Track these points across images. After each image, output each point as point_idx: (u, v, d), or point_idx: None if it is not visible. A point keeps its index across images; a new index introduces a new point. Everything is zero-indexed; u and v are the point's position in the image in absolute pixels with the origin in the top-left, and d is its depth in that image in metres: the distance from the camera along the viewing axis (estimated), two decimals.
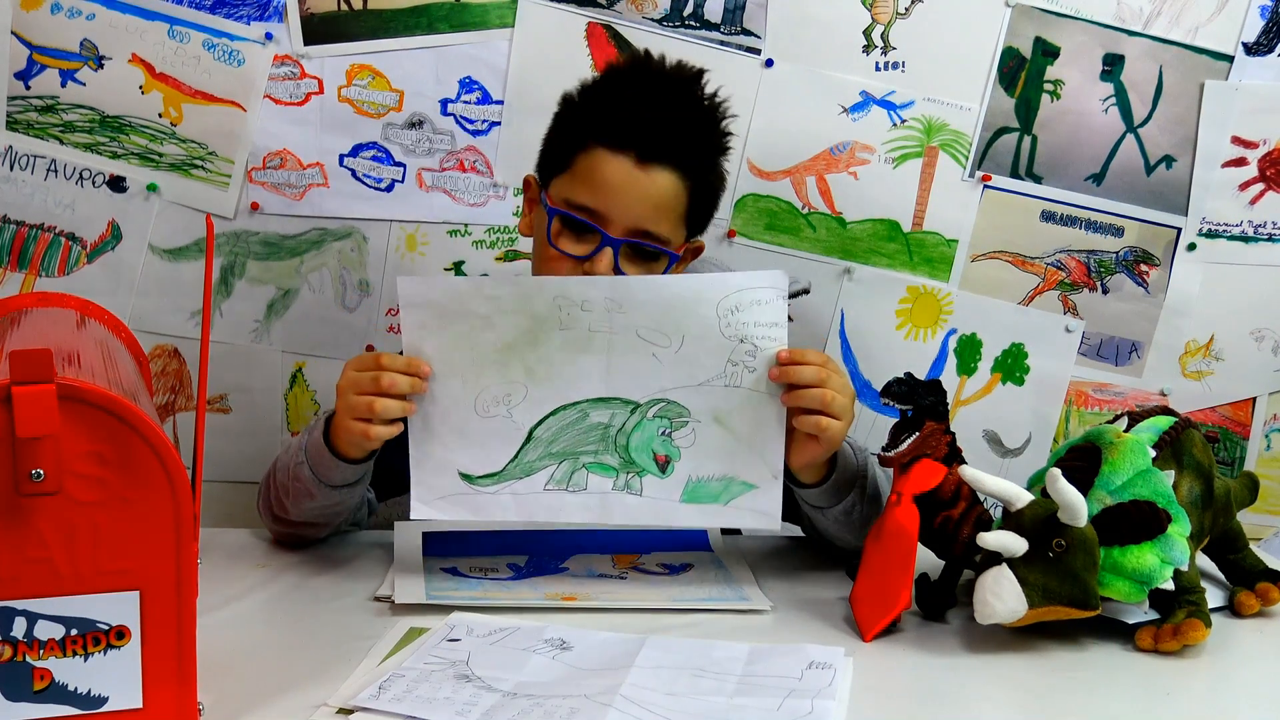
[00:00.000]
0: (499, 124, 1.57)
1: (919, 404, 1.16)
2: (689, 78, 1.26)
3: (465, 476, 1.18)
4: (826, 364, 1.15)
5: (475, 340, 1.15)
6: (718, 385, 1.16)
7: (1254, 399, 1.61)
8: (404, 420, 1.16)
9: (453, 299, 1.14)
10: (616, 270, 1.21)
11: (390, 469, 1.21)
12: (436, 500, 1.17)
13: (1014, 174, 1.60)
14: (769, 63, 1.56)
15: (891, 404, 1.17)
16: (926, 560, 1.17)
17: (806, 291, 1.61)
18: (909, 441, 1.15)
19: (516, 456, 1.18)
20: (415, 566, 1.22)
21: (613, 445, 1.17)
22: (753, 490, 1.17)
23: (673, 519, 1.18)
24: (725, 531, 1.33)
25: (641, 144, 1.22)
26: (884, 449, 1.17)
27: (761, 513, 1.17)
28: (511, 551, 1.27)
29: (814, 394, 1.12)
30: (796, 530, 1.34)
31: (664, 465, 1.17)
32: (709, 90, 1.27)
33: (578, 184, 1.25)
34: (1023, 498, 1.08)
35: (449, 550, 1.26)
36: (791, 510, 1.26)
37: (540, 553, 1.27)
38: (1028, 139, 1.59)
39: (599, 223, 1.23)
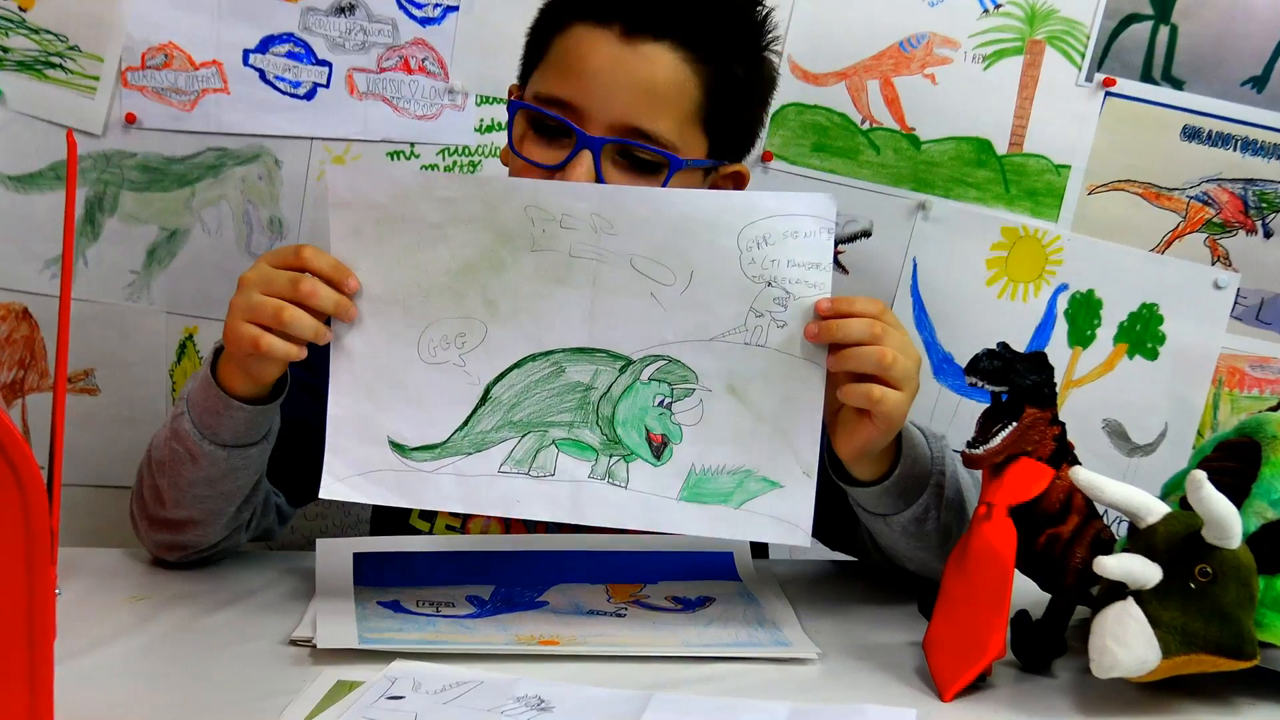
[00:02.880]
0: (456, 9, 1.56)
1: (1017, 385, 1.15)
2: None
3: (397, 446, 1.19)
4: (882, 315, 1.15)
5: (423, 257, 1.16)
6: (735, 342, 1.16)
7: None
8: (314, 365, 1.17)
9: (397, 199, 1.15)
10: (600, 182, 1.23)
11: (308, 463, 1.22)
12: (354, 476, 1.18)
13: (1146, 77, 1.59)
14: None
15: (980, 384, 1.15)
16: (1026, 592, 1.17)
17: (866, 234, 1.61)
18: (1003, 435, 1.14)
19: (467, 423, 1.19)
20: (344, 598, 1.23)
21: (594, 416, 1.18)
22: (775, 490, 1.18)
23: (665, 521, 1.18)
24: (755, 551, 1.33)
25: (629, 11, 1.22)
26: (970, 445, 1.16)
27: (786, 521, 1.17)
28: (472, 579, 1.28)
29: (866, 353, 1.12)
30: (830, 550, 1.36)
31: (659, 448, 1.18)
32: None
33: (550, 73, 1.26)
34: (1155, 510, 1.08)
35: (389, 577, 1.27)
36: (843, 522, 1.28)
37: (510, 580, 1.28)
38: (1164, 30, 1.58)
39: (575, 119, 1.23)
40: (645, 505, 1.18)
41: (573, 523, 1.20)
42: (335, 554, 1.27)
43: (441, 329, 1.18)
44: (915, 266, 1.63)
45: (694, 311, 1.16)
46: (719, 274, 1.16)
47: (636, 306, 1.16)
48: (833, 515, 1.26)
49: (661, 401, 1.18)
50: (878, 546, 1.29)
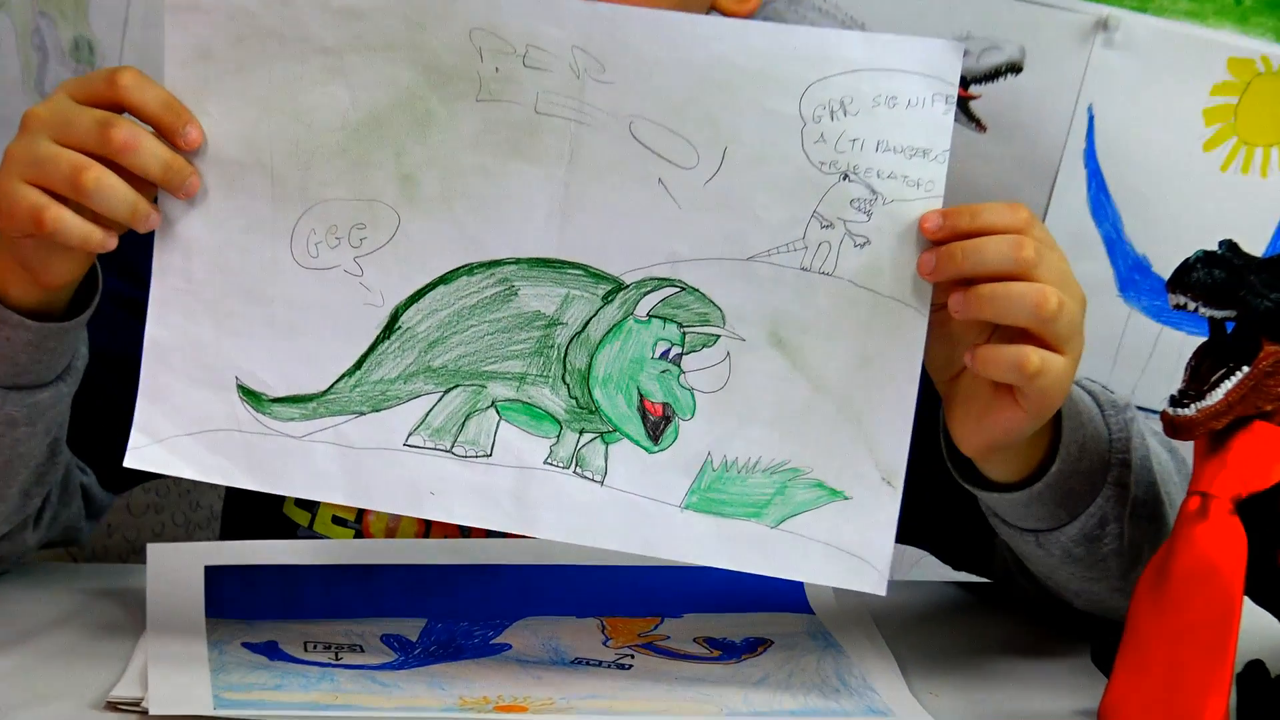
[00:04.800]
0: None
1: (1250, 307, 1.13)
2: None
3: (250, 395, 1.18)
4: (1029, 228, 1.11)
5: (308, 100, 1.15)
6: (788, 265, 1.15)
7: None
8: (136, 266, 1.17)
9: (271, 5, 1.14)
10: None
11: (132, 424, 1.19)
12: (179, 437, 1.18)
13: None
14: None
15: (1193, 306, 1.13)
16: (1260, 631, 1.17)
17: (1015, 68, 1.60)
18: (1229, 386, 1.13)
19: (361, 365, 1.17)
20: (190, 637, 1.21)
21: (558, 367, 1.17)
22: (837, 502, 1.17)
23: (660, 541, 1.18)
24: None
25: None
26: (1176, 401, 1.14)
27: (850, 554, 1.17)
28: (391, 608, 1.27)
29: (1016, 295, 1.10)
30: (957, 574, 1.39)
31: (659, 425, 1.17)
32: None
33: None
34: None
35: (260, 604, 1.26)
36: (971, 530, 1.30)
37: (451, 611, 1.27)
38: None
39: None
40: (631, 514, 1.17)
41: (516, 533, 1.19)
42: (176, 567, 1.26)
43: (329, 216, 1.16)
44: (1092, 120, 1.61)
45: (725, 213, 1.14)
46: (768, 155, 1.13)
47: (635, 199, 1.15)
48: (954, 518, 1.29)
49: (666, 352, 1.17)
50: (1026, 572, 1.29)
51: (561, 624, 1.27)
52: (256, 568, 1.29)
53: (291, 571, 1.29)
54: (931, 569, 1.38)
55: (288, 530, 1.41)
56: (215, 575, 1.27)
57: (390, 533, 1.39)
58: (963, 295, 1.12)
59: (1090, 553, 1.23)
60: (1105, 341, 1.60)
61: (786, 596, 1.31)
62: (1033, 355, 1.11)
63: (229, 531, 1.51)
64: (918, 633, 1.31)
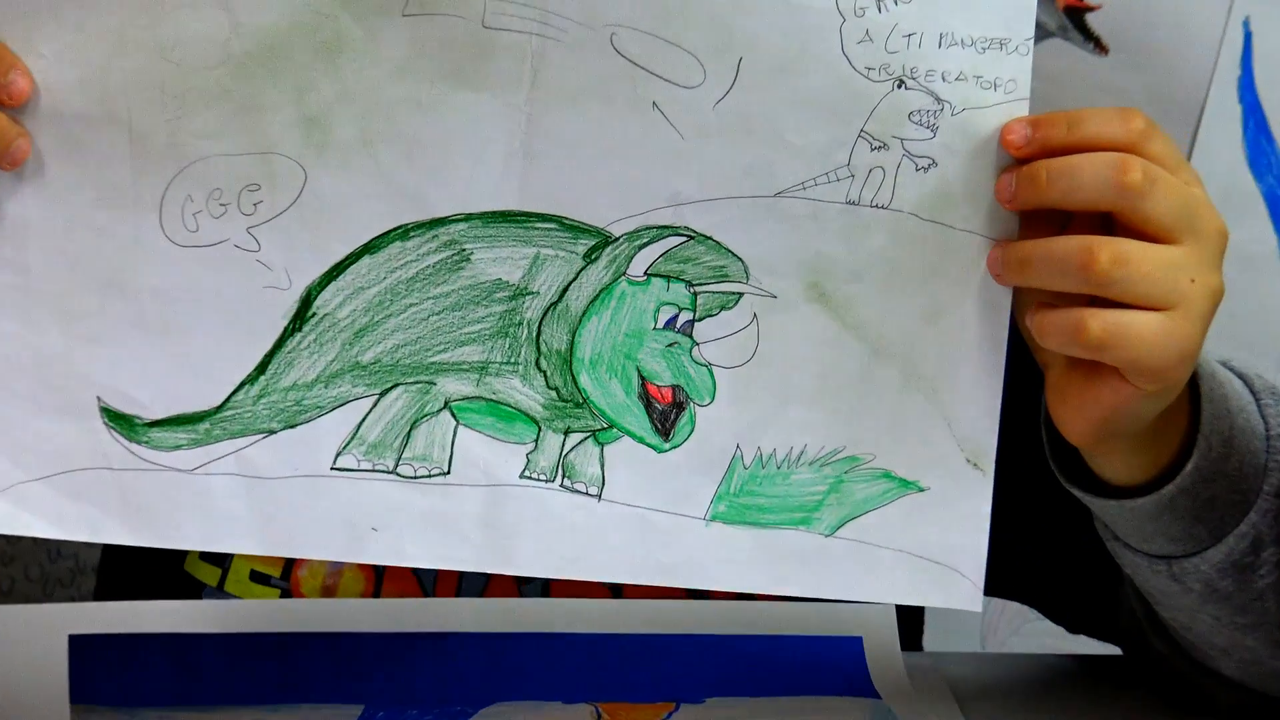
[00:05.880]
0: None
1: None
2: None
3: (118, 419, 1.08)
4: (1143, 142, 1.03)
5: (171, 29, 1.05)
6: (828, 198, 1.07)
7: None
8: None
9: None
10: None
11: None
12: (29, 483, 1.08)
13: None
14: None
15: None
16: None
17: None
18: None
19: (265, 368, 1.09)
20: None
21: (530, 349, 1.10)
22: (910, 495, 1.10)
23: (684, 568, 1.11)
24: (906, 627, 1.23)
25: None
26: None
27: (933, 561, 1.11)
28: (319, 692, 1.19)
29: (1050, 249, 1.03)
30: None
31: (668, 415, 1.10)
32: None
33: None
34: None
35: (144, 688, 1.18)
36: (1090, 575, 1.23)
37: (399, 695, 1.18)
38: None
39: None
40: (640, 534, 1.10)
41: (492, 572, 1.11)
42: (30, 637, 1.17)
43: (210, 177, 1.05)
44: (1249, 39, 1.52)
45: (743, 140, 1.06)
46: (797, 63, 1.06)
47: (622, 130, 1.06)
48: (1066, 559, 1.22)
49: (673, 320, 1.09)
50: (1159, 626, 1.20)
51: (545, 712, 1.15)
52: (139, 638, 1.17)
53: (187, 643, 1.18)
54: (1035, 636, 1.30)
55: (191, 590, 1.30)
56: (83, 647, 1.16)
57: (328, 591, 1.29)
58: (1000, 251, 1.06)
59: (1241, 587, 1.13)
60: (1266, 322, 1.52)
61: (842, 674, 1.20)
62: (1090, 321, 1.01)
63: (108, 590, 1.40)
64: None
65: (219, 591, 1.30)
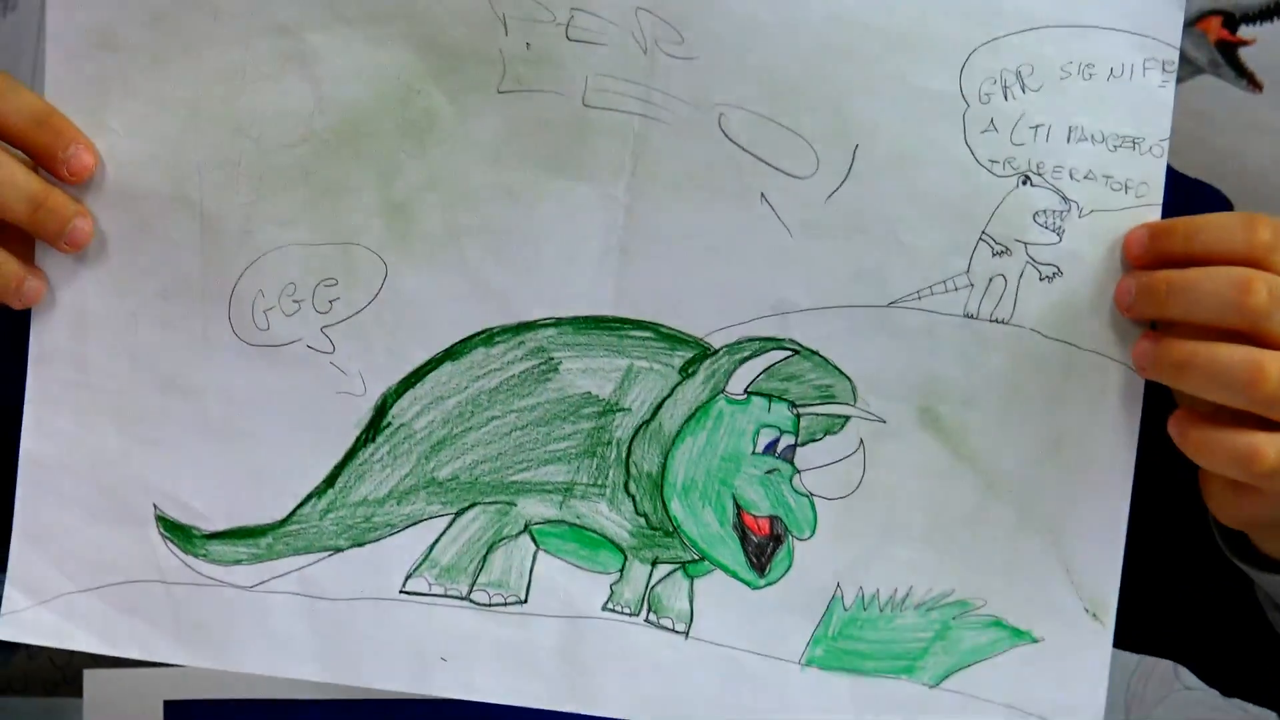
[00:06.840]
0: None
1: None
2: None
3: (175, 529, 1.07)
4: (1269, 255, 1.00)
5: (249, 104, 1.04)
6: (945, 310, 1.06)
7: None
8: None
9: None
10: None
11: None
12: (73, 593, 1.07)
13: None
14: None
15: None
16: None
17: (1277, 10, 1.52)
18: None
19: (334, 480, 1.08)
20: None
21: (620, 470, 1.08)
22: (1024, 646, 1.09)
23: (775, 716, 1.10)
24: None
25: None
26: None
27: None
28: None
29: (1211, 365, 1.00)
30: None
31: (765, 549, 1.09)
32: None
33: None
34: None
35: None
36: (1233, 645, 1.21)
37: None
38: None
39: None
40: (729, 677, 1.08)
41: (570, 710, 1.08)
42: (130, 703, 1.27)
43: (284, 269, 1.03)
44: None
45: (855, 240, 1.04)
46: (916, 153, 1.03)
47: (727, 225, 1.04)
48: (1221, 617, 1.19)
49: (773, 444, 1.07)
50: None
51: None
52: (233, 703, 1.26)
53: (281, 709, 1.27)
54: (1184, 708, 1.26)
55: None
56: (178, 713, 1.27)
57: None
58: (1152, 346, 1.03)
59: None
60: None
61: None
62: (1267, 449, 0.99)
63: None
64: None
65: None
